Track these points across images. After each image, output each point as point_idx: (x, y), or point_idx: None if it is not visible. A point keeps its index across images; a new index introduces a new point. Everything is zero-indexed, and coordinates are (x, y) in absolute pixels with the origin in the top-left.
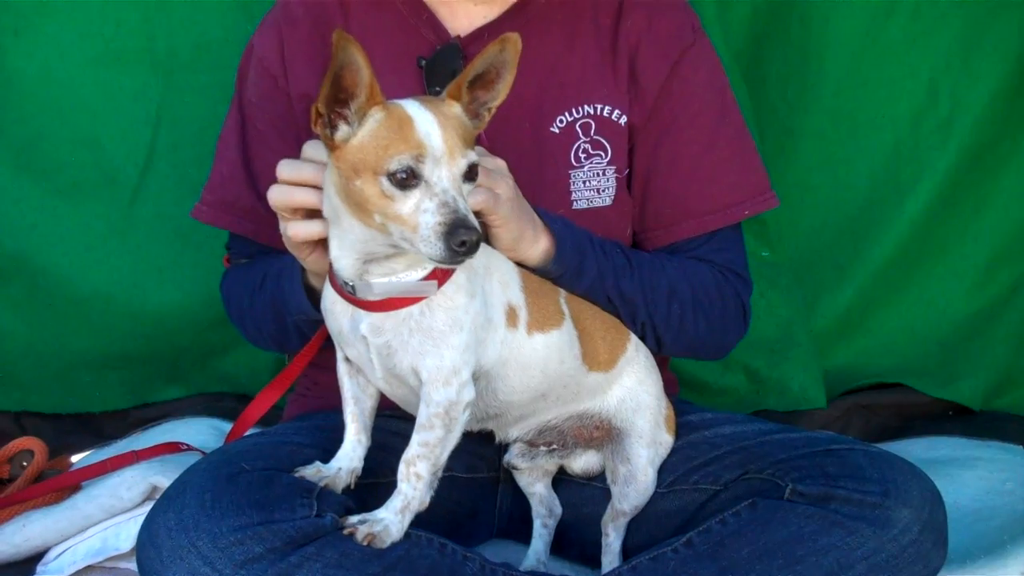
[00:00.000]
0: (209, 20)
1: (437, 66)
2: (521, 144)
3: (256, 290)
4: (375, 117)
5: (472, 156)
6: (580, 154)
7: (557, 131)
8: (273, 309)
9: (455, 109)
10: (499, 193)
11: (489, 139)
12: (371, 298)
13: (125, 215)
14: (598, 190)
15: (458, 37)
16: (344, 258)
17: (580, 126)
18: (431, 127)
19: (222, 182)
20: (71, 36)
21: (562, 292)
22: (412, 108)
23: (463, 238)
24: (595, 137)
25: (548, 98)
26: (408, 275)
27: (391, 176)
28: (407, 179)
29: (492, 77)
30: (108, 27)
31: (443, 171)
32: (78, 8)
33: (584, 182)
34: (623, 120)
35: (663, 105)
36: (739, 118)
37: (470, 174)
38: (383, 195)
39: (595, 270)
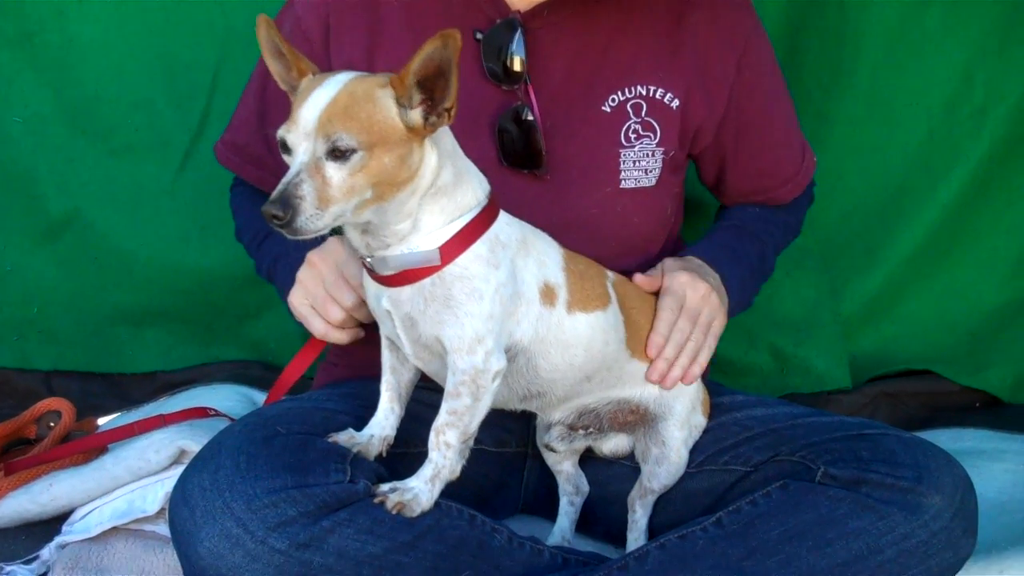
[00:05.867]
0: None
1: (494, 41)
2: (572, 122)
3: (260, 242)
4: (300, 88)
5: (343, 139)
6: (631, 134)
7: (608, 110)
8: (267, 272)
9: (377, 92)
10: (714, 330)
11: (543, 117)
12: (387, 272)
13: (175, 177)
14: (646, 170)
15: (518, 12)
16: (349, 231)
17: (631, 106)
18: (316, 102)
19: (238, 125)
20: (133, 5)
21: (610, 276)
22: (321, 83)
23: (264, 207)
24: (646, 118)
25: (601, 78)
26: (418, 246)
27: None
28: (284, 148)
29: (443, 76)
30: None
31: (303, 144)
32: None
33: (634, 162)
34: (675, 103)
35: (739, 96)
36: (786, 87)
37: (334, 153)
38: None
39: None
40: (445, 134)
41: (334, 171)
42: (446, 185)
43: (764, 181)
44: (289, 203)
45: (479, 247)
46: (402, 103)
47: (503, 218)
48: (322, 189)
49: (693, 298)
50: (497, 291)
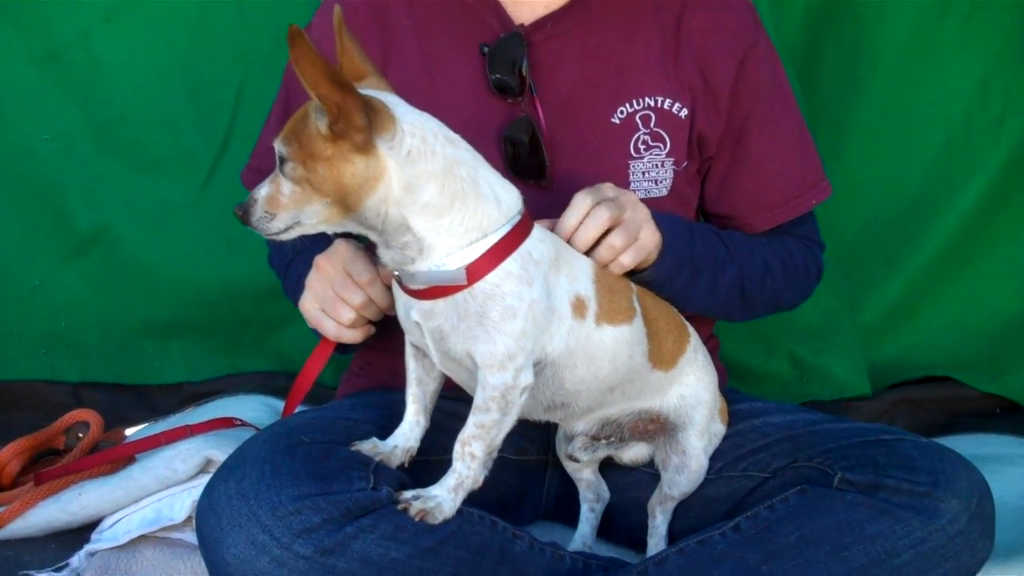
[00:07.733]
0: (289, 13)
1: (499, 54)
2: (581, 134)
3: (288, 265)
4: None
5: (282, 151)
6: (640, 145)
7: (617, 122)
8: (293, 293)
9: (312, 106)
10: (642, 240)
11: (550, 129)
12: (415, 287)
13: (200, 192)
14: (656, 181)
15: (522, 26)
16: (379, 248)
17: (640, 118)
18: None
19: (262, 150)
20: (158, 24)
21: (634, 289)
22: None
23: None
24: (655, 129)
25: (608, 89)
26: (445, 264)
27: None
28: None
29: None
30: (194, 18)
31: None
32: None
33: (643, 173)
34: (683, 113)
35: (735, 106)
36: (797, 108)
37: (281, 164)
38: None
39: (685, 280)
40: (427, 155)
41: (283, 180)
42: (436, 204)
43: (742, 203)
44: (245, 204)
45: (510, 264)
46: (321, 113)
47: (537, 234)
48: (274, 195)
49: (609, 189)
50: (531, 308)
